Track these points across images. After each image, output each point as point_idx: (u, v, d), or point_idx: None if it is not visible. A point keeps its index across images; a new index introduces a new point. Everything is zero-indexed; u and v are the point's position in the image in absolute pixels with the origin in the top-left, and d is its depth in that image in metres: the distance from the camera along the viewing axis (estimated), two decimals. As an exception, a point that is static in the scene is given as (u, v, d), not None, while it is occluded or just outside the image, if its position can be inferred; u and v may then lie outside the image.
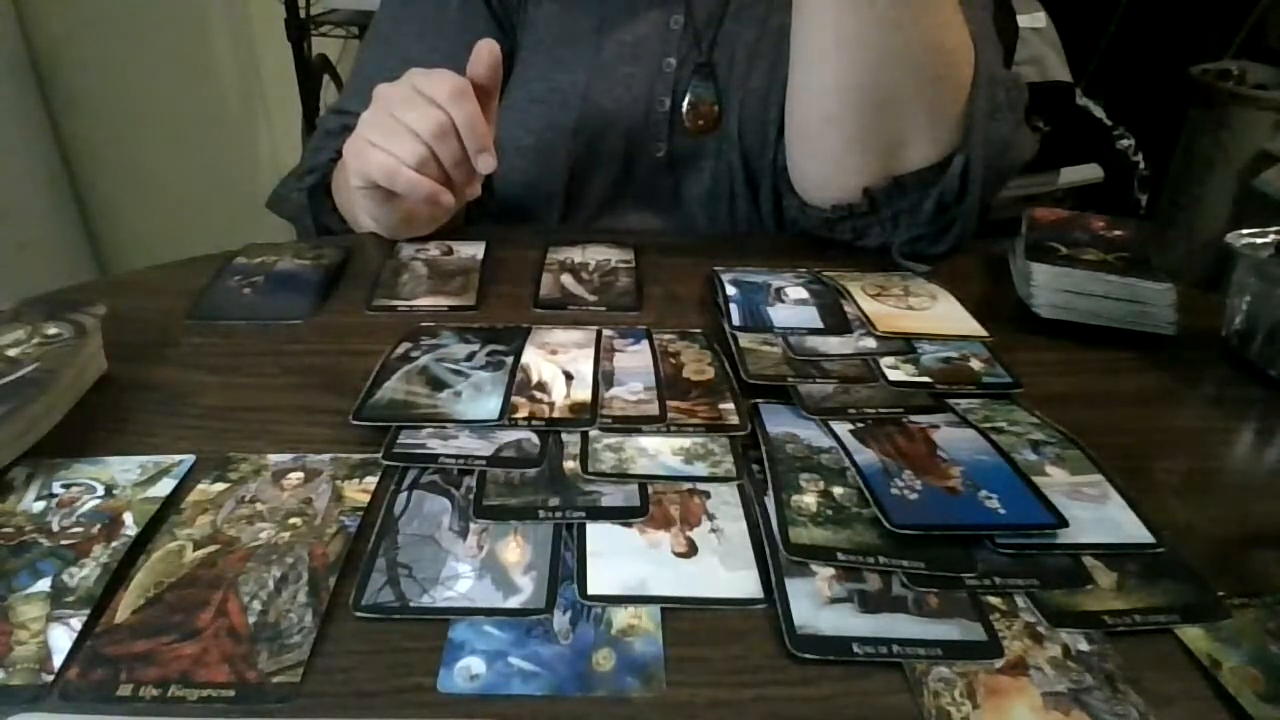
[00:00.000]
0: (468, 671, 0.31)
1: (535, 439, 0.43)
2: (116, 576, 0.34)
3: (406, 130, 0.57)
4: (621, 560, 0.36)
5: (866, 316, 0.54)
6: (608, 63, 0.71)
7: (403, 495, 0.39)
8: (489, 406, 0.45)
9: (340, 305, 0.58)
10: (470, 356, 0.50)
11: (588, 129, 0.71)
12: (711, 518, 0.38)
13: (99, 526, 0.37)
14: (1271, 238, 0.53)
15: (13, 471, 0.41)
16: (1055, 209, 0.65)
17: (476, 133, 0.57)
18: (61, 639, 0.32)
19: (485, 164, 0.58)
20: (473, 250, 0.66)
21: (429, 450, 0.42)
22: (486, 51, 0.59)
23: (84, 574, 0.35)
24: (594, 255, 0.65)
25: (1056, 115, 1.41)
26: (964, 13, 0.59)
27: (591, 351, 0.50)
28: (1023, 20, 1.32)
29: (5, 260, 1.59)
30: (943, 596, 0.34)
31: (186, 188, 1.87)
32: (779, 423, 0.44)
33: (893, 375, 0.48)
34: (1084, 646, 0.32)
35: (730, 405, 0.45)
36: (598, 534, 0.37)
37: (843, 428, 0.43)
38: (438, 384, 0.47)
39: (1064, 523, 0.37)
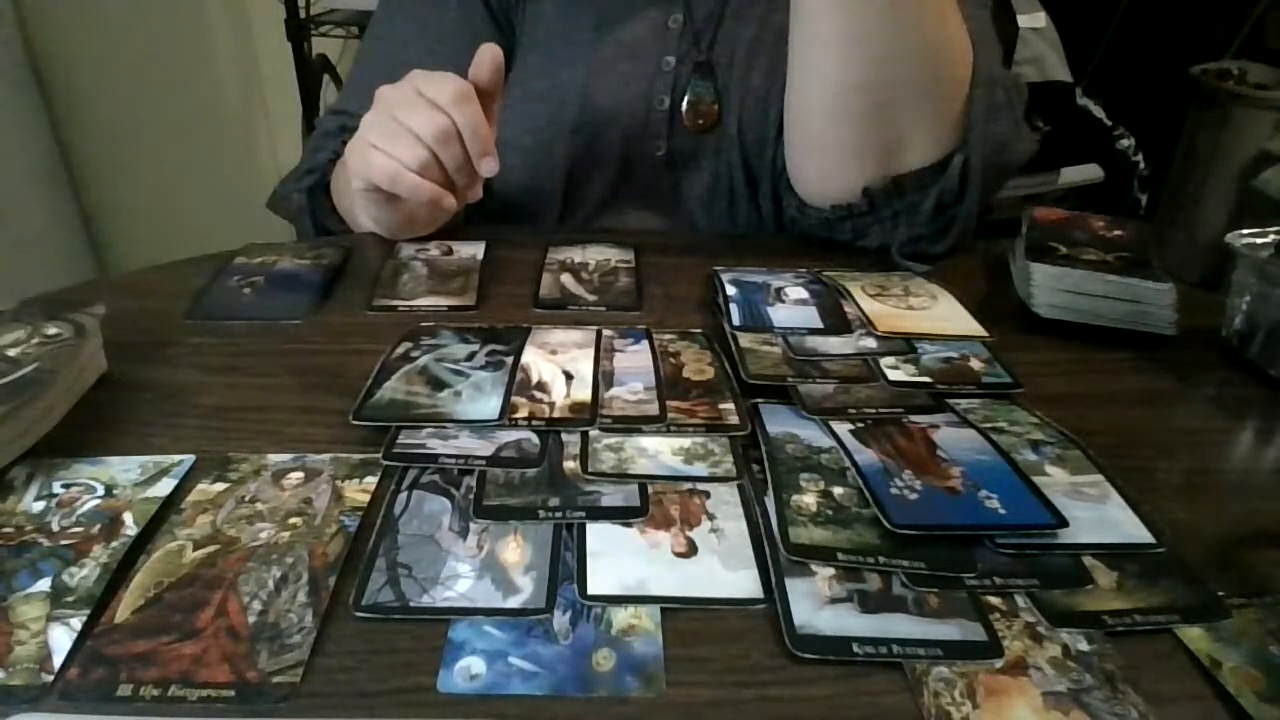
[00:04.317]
0: (468, 671, 0.31)
1: (535, 439, 0.43)
2: (116, 576, 0.34)
3: (409, 133, 0.57)
4: (621, 560, 0.36)
5: (866, 316, 0.54)
6: (606, 61, 0.71)
7: (403, 495, 0.39)
8: (489, 406, 0.45)
9: (340, 305, 0.58)
10: (470, 356, 0.50)
11: (587, 128, 0.71)
12: (711, 518, 0.38)
13: (99, 526, 0.37)
14: (1271, 238, 0.53)
15: (13, 471, 0.41)
16: (1055, 209, 0.65)
17: (479, 137, 0.57)
18: (61, 639, 0.32)
19: (488, 168, 0.58)
20: (473, 250, 0.66)
21: (429, 450, 0.42)
22: (489, 56, 0.59)
23: (84, 574, 0.35)
24: (594, 255, 0.65)
25: (1056, 115, 1.41)
26: (962, 12, 0.59)
27: (591, 351, 0.50)
28: (1023, 20, 1.32)
29: (5, 260, 1.60)
30: (943, 596, 0.34)
31: (186, 188, 1.88)
32: (779, 423, 0.44)
33: (893, 375, 0.48)
34: (1084, 646, 0.32)
35: (730, 405, 0.45)
36: (598, 534, 0.37)
37: (843, 428, 0.43)
38: (438, 384, 0.47)
39: (1064, 523, 0.37)
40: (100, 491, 0.39)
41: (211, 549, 0.36)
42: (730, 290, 0.57)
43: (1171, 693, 0.31)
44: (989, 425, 0.44)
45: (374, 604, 0.33)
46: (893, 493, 0.38)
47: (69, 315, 0.48)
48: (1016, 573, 0.35)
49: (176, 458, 0.42)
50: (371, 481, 0.40)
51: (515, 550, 0.36)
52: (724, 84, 0.71)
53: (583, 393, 0.46)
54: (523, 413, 0.44)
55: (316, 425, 0.45)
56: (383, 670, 0.31)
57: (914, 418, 0.44)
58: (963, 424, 0.44)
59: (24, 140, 1.71)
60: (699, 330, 0.55)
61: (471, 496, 0.39)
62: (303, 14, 1.70)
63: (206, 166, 1.88)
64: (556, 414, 0.44)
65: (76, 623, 0.32)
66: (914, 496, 0.38)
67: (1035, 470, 0.40)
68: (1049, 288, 0.55)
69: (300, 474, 0.41)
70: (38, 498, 0.39)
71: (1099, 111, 1.55)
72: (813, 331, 0.53)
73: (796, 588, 0.34)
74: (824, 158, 0.63)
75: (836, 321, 0.54)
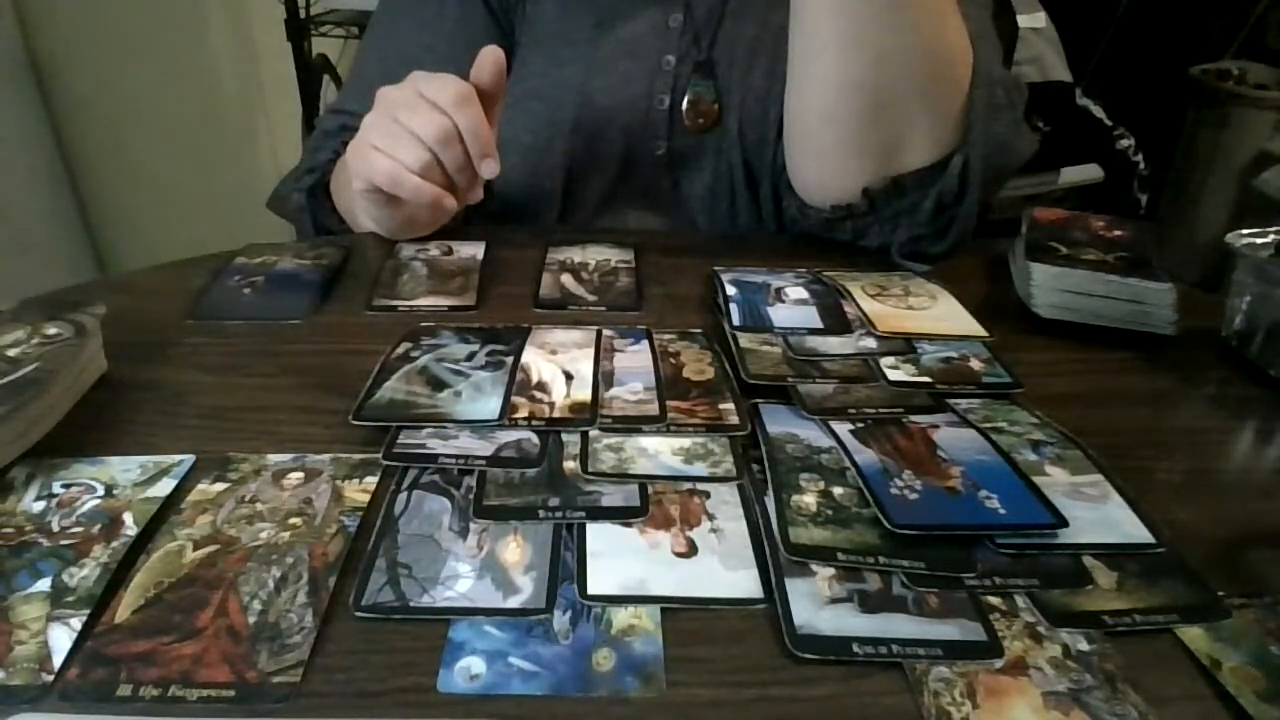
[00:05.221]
0: (468, 671, 0.31)
1: (535, 439, 0.43)
2: (116, 576, 0.34)
3: (410, 135, 0.57)
4: (621, 560, 0.36)
5: (866, 316, 0.54)
6: (606, 60, 0.71)
7: (403, 495, 0.39)
8: (489, 406, 0.45)
9: (340, 305, 0.58)
10: (470, 356, 0.50)
11: (586, 127, 0.71)
12: (711, 518, 0.38)
13: (99, 526, 0.37)
14: (1271, 238, 0.53)
15: (13, 471, 0.41)
16: (1055, 209, 0.65)
17: (480, 138, 0.57)
18: (61, 639, 0.32)
19: (489, 169, 0.58)
20: (473, 250, 0.66)
21: (429, 450, 0.42)
22: (490, 58, 0.59)
23: (84, 574, 0.35)
24: (594, 255, 0.65)
25: (1056, 115, 1.41)
26: (962, 11, 0.59)
27: (591, 351, 0.50)
28: (1023, 20, 1.32)
29: (5, 260, 1.59)
30: (943, 596, 0.34)
31: (186, 188, 1.88)
32: (779, 423, 0.44)
33: (893, 375, 0.48)
34: (1084, 646, 0.32)
35: (730, 405, 0.45)
36: (598, 534, 0.37)
37: (843, 428, 0.43)
38: (438, 384, 0.47)
39: (1064, 523, 0.37)
40: (100, 491, 0.39)
41: (211, 549, 0.36)
42: (730, 290, 0.57)
43: (1171, 693, 0.31)
44: (989, 425, 0.44)
45: (374, 604, 0.33)
46: (893, 493, 0.38)
47: (69, 315, 0.48)
48: (1016, 573, 0.35)
49: (176, 458, 0.42)
50: (371, 481, 0.40)
51: (515, 550, 0.36)
52: (724, 83, 0.71)
53: (583, 393, 0.46)
54: (523, 413, 0.44)
55: (316, 425, 0.45)
56: (383, 670, 0.31)
57: (914, 418, 0.44)
58: (963, 424, 0.44)
59: (24, 140, 1.71)
60: (699, 330, 0.55)
61: (471, 496, 0.39)
62: (303, 14, 1.70)
63: (206, 166, 1.88)
64: (556, 414, 0.44)
65: (76, 623, 0.32)
66: (914, 496, 0.38)
67: (1035, 470, 0.40)
68: (1049, 288, 0.55)
69: (300, 474, 0.41)
70: (38, 498, 0.39)
71: (1099, 111, 1.56)
72: (813, 331, 0.53)
73: (796, 588, 0.34)
74: (824, 158, 0.63)
75: (836, 321, 0.54)
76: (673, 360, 0.50)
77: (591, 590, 0.34)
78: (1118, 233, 0.60)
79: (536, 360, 0.49)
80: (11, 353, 0.44)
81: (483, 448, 0.42)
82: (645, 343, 0.52)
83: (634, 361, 0.50)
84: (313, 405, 0.46)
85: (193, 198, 1.88)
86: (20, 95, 1.69)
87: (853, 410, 0.45)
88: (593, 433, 0.43)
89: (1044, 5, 1.37)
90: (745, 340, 0.51)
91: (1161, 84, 1.78)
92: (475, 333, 0.53)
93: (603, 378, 0.48)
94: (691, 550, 0.36)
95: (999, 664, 0.31)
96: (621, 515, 0.38)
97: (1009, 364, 0.50)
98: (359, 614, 0.33)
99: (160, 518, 0.38)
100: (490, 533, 0.37)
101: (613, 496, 0.39)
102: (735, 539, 0.37)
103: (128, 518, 0.38)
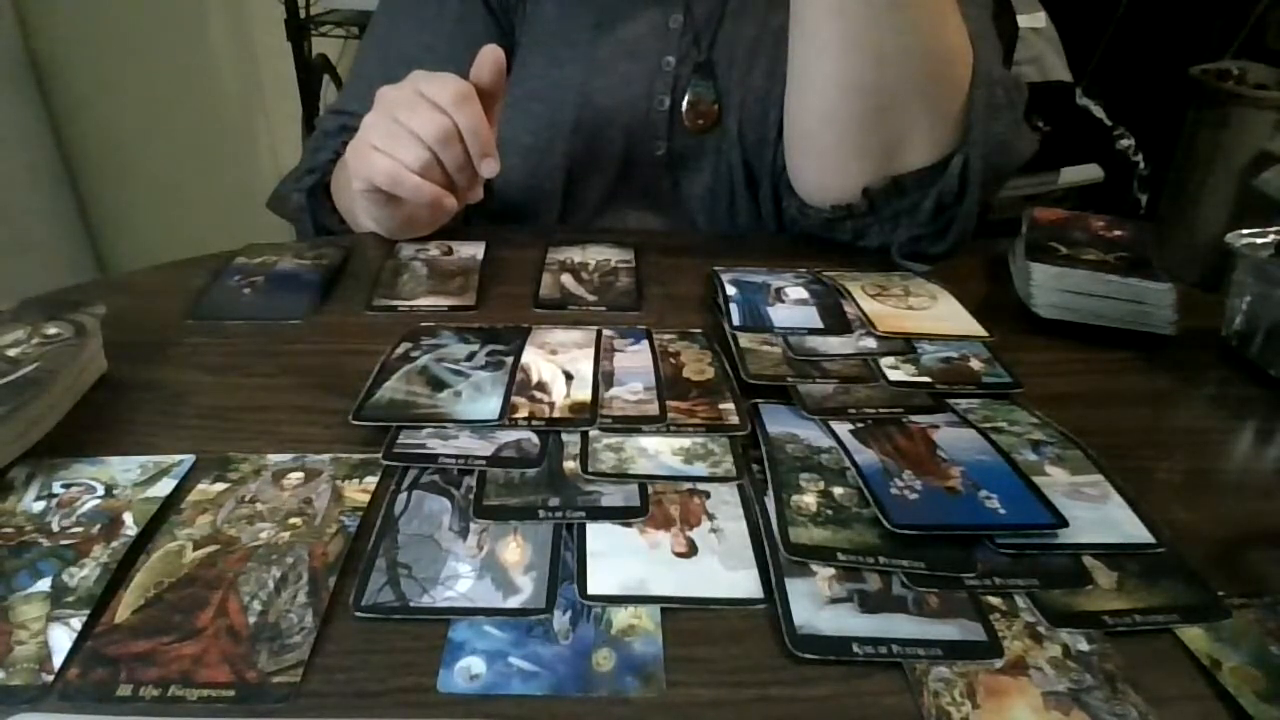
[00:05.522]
0: (468, 671, 0.31)
1: (535, 439, 0.43)
2: (116, 576, 0.34)
3: (410, 135, 0.57)
4: (621, 560, 0.36)
5: (866, 316, 0.54)
6: (606, 60, 0.71)
7: (403, 495, 0.39)
8: (489, 406, 0.45)
9: (340, 305, 0.58)
10: (470, 356, 0.50)
11: (586, 127, 0.71)
12: (711, 518, 0.38)
13: (99, 526, 0.37)
14: (1271, 238, 0.53)
15: (13, 471, 0.41)
16: (1055, 209, 0.65)
17: (480, 138, 0.57)
18: (61, 639, 0.32)
19: (489, 169, 0.58)
20: (473, 250, 0.66)
21: (429, 450, 0.42)
22: (490, 57, 0.59)
23: (84, 574, 0.35)
24: (594, 255, 0.65)
25: (1056, 115, 1.41)
26: (962, 11, 0.59)
27: (591, 351, 0.50)
28: (1023, 20, 1.32)
29: (5, 260, 1.59)
30: (943, 596, 0.34)
31: (186, 188, 1.88)
32: (779, 423, 0.44)
33: (893, 375, 0.48)
34: (1084, 646, 0.32)
35: (730, 405, 0.45)
36: (598, 534, 0.37)
37: (843, 428, 0.43)
38: (438, 384, 0.47)
39: (1064, 523, 0.37)
40: (100, 491, 0.39)
41: (211, 549, 0.36)
42: (730, 290, 0.57)
43: (1171, 693, 0.31)
44: (989, 425, 0.44)
45: (374, 604, 0.33)
46: (893, 493, 0.38)
47: (69, 315, 0.48)
48: (1016, 573, 0.35)
49: (176, 458, 0.42)
50: (371, 481, 0.40)
51: (515, 550, 0.36)
52: (724, 84, 0.71)
53: (583, 393, 0.46)
54: (523, 413, 0.44)
55: (316, 425, 0.45)
56: (383, 670, 0.31)
57: (914, 418, 0.44)
58: (963, 424, 0.44)
59: (24, 140, 1.71)
60: (699, 330, 0.55)
61: (471, 496, 0.39)
62: (303, 14, 1.70)
63: (206, 166, 1.88)
64: (556, 414, 0.44)
65: (76, 623, 0.32)
66: (914, 496, 0.38)
67: (1035, 470, 0.40)
68: (1049, 288, 0.55)
69: (300, 474, 0.41)
70: (38, 498, 0.39)
71: (1099, 111, 1.56)
72: (813, 331, 0.53)
73: (796, 588, 0.34)
74: (824, 158, 0.63)
75: (836, 321, 0.54)
76: (673, 360, 0.50)
77: (591, 590, 0.34)
78: (1118, 233, 0.60)
79: (536, 360, 0.49)
80: (11, 353, 0.44)
81: (483, 448, 0.42)
82: (645, 343, 0.52)
83: (634, 361, 0.50)
84: (313, 405, 0.46)
85: (193, 198, 1.88)
86: (20, 95, 1.69)
87: (853, 410, 0.45)
88: (593, 433, 0.43)
89: (1044, 5, 1.37)
90: (745, 340, 0.51)
91: (1161, 84, 1.78)
92: (475, 333, 0.53)
93: (603, 378, 0.48)
94: (691, 550, 0.36)
95: (999, 664, 0.31)
96: (621, 515, 0.38)
97: (1009, 364, 0.50)
98: (359, 614, 0.33)
99: (160, 518, 0.38)
100: (490, 533, 0.37)
101: (613, 496, 0.39)
102: (735, 539, 0.37)
103: (128, 518, 0.38)
